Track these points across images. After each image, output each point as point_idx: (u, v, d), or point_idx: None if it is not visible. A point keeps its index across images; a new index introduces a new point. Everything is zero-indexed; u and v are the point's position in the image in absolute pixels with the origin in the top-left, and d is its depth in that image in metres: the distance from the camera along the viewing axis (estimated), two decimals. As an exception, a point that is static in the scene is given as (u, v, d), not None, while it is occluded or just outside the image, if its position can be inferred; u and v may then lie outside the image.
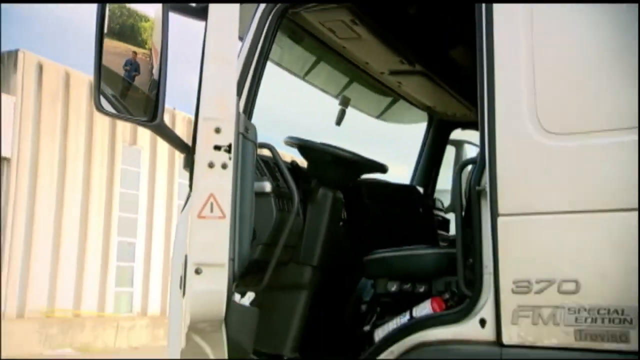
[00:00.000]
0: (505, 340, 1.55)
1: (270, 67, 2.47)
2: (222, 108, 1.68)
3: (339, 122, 2.93)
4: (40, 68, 14.59)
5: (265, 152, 2.17)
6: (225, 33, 1.73)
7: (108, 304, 16.23)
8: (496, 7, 1.77)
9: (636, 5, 1.83)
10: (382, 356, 1.73)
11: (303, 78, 2.92)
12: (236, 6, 1.73)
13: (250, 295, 2.15)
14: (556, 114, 1.63)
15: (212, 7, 1.72)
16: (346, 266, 2.40)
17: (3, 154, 12.88)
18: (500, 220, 1.59)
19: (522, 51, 1.70)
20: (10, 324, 12.60)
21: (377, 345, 1.83)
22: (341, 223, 2.48)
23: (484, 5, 1.77)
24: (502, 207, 1.59)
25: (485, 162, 1.67)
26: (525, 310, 1.53)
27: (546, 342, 1.52)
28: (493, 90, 1.68)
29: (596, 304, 1.45)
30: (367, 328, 2.08)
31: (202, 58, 1.71)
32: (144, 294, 17.35)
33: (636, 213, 1.44)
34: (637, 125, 1.48)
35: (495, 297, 1.58)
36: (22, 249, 13.73)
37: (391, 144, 3.68)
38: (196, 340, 1.69)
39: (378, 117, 3.43)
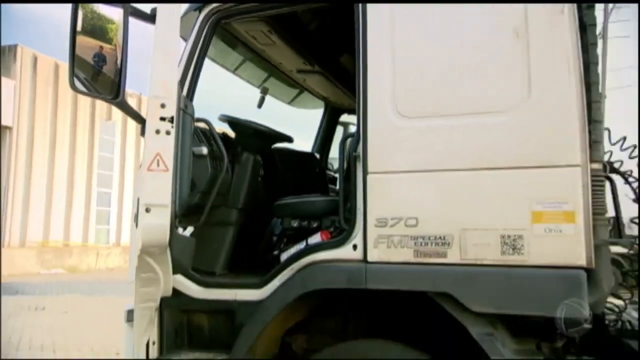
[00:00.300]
0: (369, 258, 1.96)
1: (209, 63, 2.88)
2: (166, 89, 2.02)
3: (259, 105, 3.46)
4: (35, 59, 17.68)
5: (205, 126, 2.52)
6: (169, 31, 2.06)
7: (90, 237, 20.34)
8: (369, 8, 2.10)
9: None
10: (285, 272, 2.11)
11: (233, 72, 3.32)
12: (179, 10, 2.08)
13: (190, 229, 2.51)
14: (408, 103, 2.01)
15: (160, 10, 2.05)
16: (262, 209, 2.73)
17: (5, 124, 15.87)
18: (369, 177, 2.00)
19: (387, 51, 2.05)
20: (14, 251, 16.40)
21: (282, 264, 2.19)
22: (259, 178, 2.81)
23: (360, 5, 2.11)
24: (370, 168, 2.01)
25: (359, 136, 2.06)
26: (383, 239, 1.95)
27: (395, 259, 1.94)
28: (366, 86, 2.07)
29: (428, 233, 1.90)
30: (276, 252, 2.45)
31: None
32: (117, 229, 21.70)
33: (459, 172, 1.89)
34: (466, 111, 1.91)
35: (364, 230, 1.99)
36: (22, 195, 17.05)
37: (299, 123, 4.22)
38: (147, 261, 2.04)
39: (289, 103, 3.96)
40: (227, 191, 2.58)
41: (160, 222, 2.01)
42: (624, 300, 2.17)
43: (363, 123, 2.05)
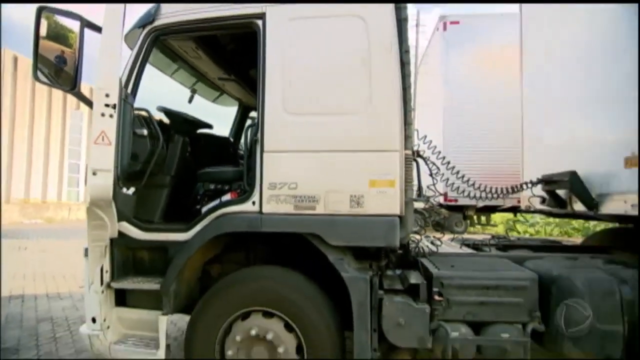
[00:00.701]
0: (264, 211, 2.50)
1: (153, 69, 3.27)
2: (109, 82, 2.43)
3: (190, 101, 3.91)
4: (16, 59, 21.37)
5: (146, 114, 2.90)
6: (111, 40, 2.45)
7: (64, 196, 24.93)
8: (269, 25, 2.57)
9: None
10: (204, 220, 2.58)
11: (170, 76, 3.72)
12: (119, 24, 2.46)
13: (132, 189, 2.87)
14: (293, 103, 2.52)
15: (105, 24, 2.43)
16: (190, 176, 3.07)
17: None
18: (264, 154, 2.52)
19: (278, 67, 2.54)
20: (2, 206, 18.52)
21: (202, 215, 2.61)
22: (187, 154, 3.16)
23: (260, 22, 2.59)
24: (265, 148, 2.52)
25: (259, 126, 2.56)
26: (273, 197, 2.49)
27: (281, 211, 2.48)
28: (264, 91, 2.55)
29: (304, 194, 2.47)
30: (199, 207, 2.86)
31: None
32: (85, 192, 22.38)
33: (324, 152, 2.46)
34: (331, 112, 2.47)
35: (260, 191, 2.51)
36: (6, 164, 20.02)
37: (221, 116, 4.70)
38: (96, 212, 2.48)
39: (212, 102, 4.40)
40: (163, 162, 2.96)
41: (104, 182, 2.43)
42: (420, 235, 2.96)
43: (261, 116, 2.55)
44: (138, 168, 2.74)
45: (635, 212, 2.71)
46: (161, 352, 2.55)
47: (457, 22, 6.85)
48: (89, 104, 2.55)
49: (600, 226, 4.97)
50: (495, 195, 3.57)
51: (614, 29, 3.07)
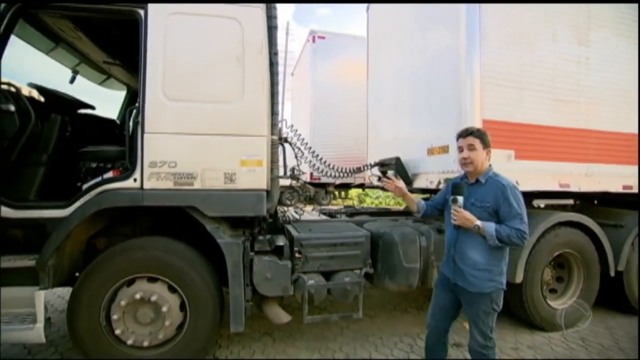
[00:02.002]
0: (145, 187, 2.40)
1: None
2: None
3: (71, 82, 3.42)
4: None
5: (12, 89, 2.48)
6: None
7: None
8: (151, 16, 2.39)
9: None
10: (85, 197, 2.39)
11: (47, 54, 3.18)
12: None
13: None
14: (172, 90, 2.43)
15: None
16: (72, 155, 2.78)
17: None
18: (145, 135, 2.40)
19: (160, 55, 2.42)
20: None
21: (83, 191, 2.43)
22: (67, 133, 2.82)
23: (142, 12, 2.39)
24: (146, 129, 2.40)
25: (140, 109, 2.43)
26: (154, 175, 2.40)
27: (162, 187, 2.42)
28: (145, 76, 2.42)
29: (182, 171, 2.42)
30: (80, 184, 2.62)
31: None
32: None
33: (201, 135, 2.41)
34: (208, 99, 2.41)
35: (141, 169, 2.40)
36: None
37: (109, 98, 4.18)
38: None
39: (99, 84, 3.92)
40: (39, 141, 2.60)
41: None
42: (286, 206, 3.23)
43: (142, 100, 2.42)
44: (4, 144, 2.37)
45: (432, 186, 3.38)
46: (39, 326, 2.30)
47: (324, 37, 7.33)
48: None
49: (420, 196, 5.97)
50: (345, 174, 4.01)
51: (419, 58, 3.75)
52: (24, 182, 2.54)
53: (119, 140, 2.88)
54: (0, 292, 2.31)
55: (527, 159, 3.21)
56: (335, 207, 5.02)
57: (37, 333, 2.29)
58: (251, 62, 2.53)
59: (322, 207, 5.95)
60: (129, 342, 2.47)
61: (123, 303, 2.44)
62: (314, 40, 7.25)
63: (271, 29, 2.65)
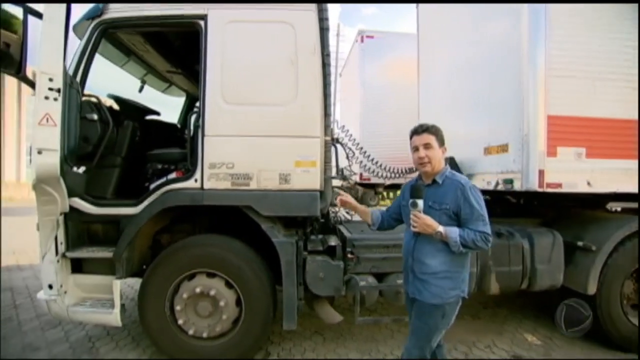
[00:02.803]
0: (205, 187, 2.48)
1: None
2: (53, 67, 2.22)
3: (140, 91, 3.66)
4: None
5: (96, 100, 2.72)
6: (53, 26, 2.20)
7: (22, 177, 22.78)
8: (210, 25, 2.48)
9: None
10: (152, 196, 2.52)
11: (121, 67, 3.44)
12: (61, 11, 2.21)
13: (83, 168, 2.68)
14: (230, 94, 2.49)
15: (46, 11, 2.18)
16: (140, 157, 2.96)
17: None
18: (205, 138, 2.48)
19: (218, 62, 2.48)
20: None
21: (150, 191, 2.56)
22: (137, 137, 3.01)
23: (203, 23, 2.49)
24: (206, 132, 2.48)
25: (200, 113, 2.51)
26: (213, 175, 2.47)
27: (220, 187, 2.48)
28: (205, 82, 2.49)
29: (239, 172, 2.45)
30: (147, 184, 2.75)
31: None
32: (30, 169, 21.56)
33: (258, 137, 2.45)
34: (263, 102, 2.45)
35: (201, 170, 2.48)
36: None
37: (172, 104, 4.41)
38: (45, 188, 2.30)
39: (162, 92, 4.16)
40: (114, 145, 2.81)
41: (50, 161, 2.24)
42: (337, 207, 3.17)
43: (202, 105, 2.51)
44: (89, 149, 2.57)
45: (490, 187, 3.16)
46: (117, 311, 2.49)
47: (372, 37, 7.18)
48: (34, 87, 2.32)
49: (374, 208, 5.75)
50: (397, 175, 3.89)
51: (473, 51, 3.51)
52: (102, 182, 2.74)
53: (181, 143, 3.03)
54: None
55: (600, 157, 2.86)
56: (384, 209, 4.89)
57: (115, 317, 2.49)
58: (304, 65, 2.52)
59: (372, 207, 5.84)
60: (190, 332, 2.59)
61: (185, 296, 2.55)
62: (362, 40, 7.13)
63: (323, 30, 2.63)
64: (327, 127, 2.62)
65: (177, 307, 2.57)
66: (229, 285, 2.58)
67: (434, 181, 1.86)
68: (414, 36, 5.12)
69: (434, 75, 4.56)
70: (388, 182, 4.62)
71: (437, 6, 4.43)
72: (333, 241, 2.79)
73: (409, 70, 5.53)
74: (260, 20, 2.54)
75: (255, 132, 2.49)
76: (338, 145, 3.05)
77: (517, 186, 2.87)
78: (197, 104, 4.16)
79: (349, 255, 2.70)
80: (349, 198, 2.21)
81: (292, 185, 2.49)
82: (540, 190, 2.74)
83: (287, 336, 3.14)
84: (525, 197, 3.70)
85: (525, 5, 2.83)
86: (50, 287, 2.49)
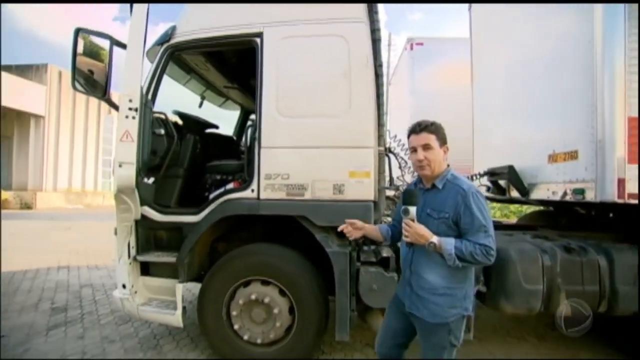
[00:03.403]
0: (261, 197, 2.53)
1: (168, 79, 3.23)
2: (132, 90, 2.44)
3: (200, 106, 3.92)
4: (60, 73, 21.62)
5: (163, 116, 2.90)
6: (134, 56, 2.45)
7: (99, 186, 25.41)
8: (266, 42, 2.58)
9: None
10: (212, 205, 2.62)
11: (184, 85, 3.71)
12: (140, 43, 2.43)
13: (152, 179, 2.81)
14: (285, 107, 2.54)
15: (129, 43, 2.41)
16: (200, 168, 3.09)
17: (41, 114, 20.56)
18: (261, 150, 2.54)
19: (273, 76, 2.55)
20: (50, 194, 20.98)
21: (210, 200, 2.64)
22: (198, 150, 3.17)
23: (258, 40, 2.61)
24: (262, 144, 2.54)
25: (257, 126, 2.58)
26: (269, 186, 2.52)
27: (276, 197, 2.52)
28: (262, 96, 2.57)
29: (294, 182, 2.50)
30: (207, 194, 2.86)
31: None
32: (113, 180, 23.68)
33: (312, 149, 2.46)
34: (317, 114, 2.46)
35: (258, 181, 2.54)
36: (52, 160, 21.48)
37: (227, 117, 4.65)
38: (123, 198, 2.51)
39: (219, 106, 4.40)
40: (177, 157, 2.98)
41: (128, 173, 2.45)
42: (391, 217, 3.05)
43: (259, 118, 2.58)
44: (157, 162, 2.77)
45: (556, 198, 2.89)
46: (179, 312, 2.61)
47: (422, 44, 6.97)
48: (117, 108, 2.57)
49: (530, 209, 5.23)
50: None
51: (537, 49, 3.25)
52: (167, 192, 2.91)
53: (236, 155, 3.15)
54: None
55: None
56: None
57: (177, 318, 2.61)
58: (357, 76, 2.50)
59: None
60: (245, 337, 2.64)
61: (240, 302, 2.62)
62: (412, 48, 6.95)
63: (375, 42, 2.60)
64: (380, 138, 2.58)
65: (233, 313, 2.64)
66: (282, 293, 2.60)
67: (434, 186, 1.68)
68: (466, 40, 4.91)
69: (490, 79, 4.31)
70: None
71: (492, 6, 4.20)
72: (386, 252, 2.69)
73: (461, 75, 5.30)
74: (312, 35, 2.57)
75: (309, 144, 2.50)
76: (391, 155, 2.98)
77: (590, 197, 2.59)
78: (252, 117, 4.37)
79: None
80: (359, 224, 1.94)
81: (345, 196, 2.46)
82: (621, 201, 2.44)
83: (338, 347, 3.10)
84: (598, 208, 3.34)
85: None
86: (124, 286, 2.69)
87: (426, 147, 1.63)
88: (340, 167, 2.47)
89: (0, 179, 20.00)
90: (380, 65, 2.60)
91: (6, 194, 19.54)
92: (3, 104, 17.95)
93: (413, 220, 1.58)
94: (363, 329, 2.99)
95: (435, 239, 1.54)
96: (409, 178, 3.61)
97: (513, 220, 8.00)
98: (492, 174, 3.76)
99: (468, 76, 4.90)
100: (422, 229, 1.55)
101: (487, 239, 1.52)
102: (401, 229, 1.68)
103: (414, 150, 1.68)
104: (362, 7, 2.58)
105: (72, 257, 6.80)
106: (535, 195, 3.20)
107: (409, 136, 1.71)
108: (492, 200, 4.66)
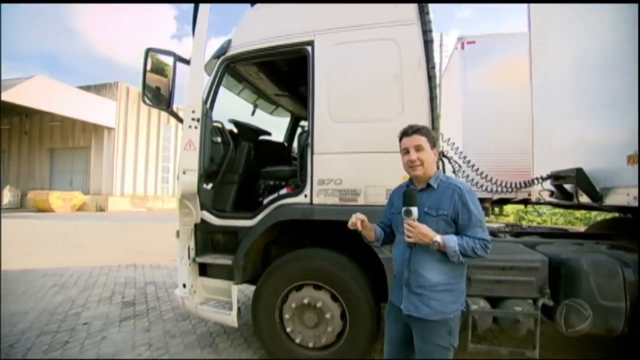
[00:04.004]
0: (314, 202, 2.55)
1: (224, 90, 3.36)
2: (195, 101, 2.57)
3: (252, 114, 4.05)
4: (128, 89, 24.24)
5: (220, 125, 3.03)
6: (197, 70, 2.58)
7: (159, 191, 27.28)
8: (317, 50, 2.62)
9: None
10: (266, 210, 2.68)
11: (237, 95, 3.87)
12: (202, 59, 2.56)
13: (210, 185, 2.96)
14: (337, 113, 2.55)
15: (192, 60, 2.54)
16: (254, 174, 3.18)
17: (112, 126, 23.16)
18: (314, 156, 2.57)
19: (325, 83, 2.57)
20: (118, 198, 23.22)
21: (264, 205, 2.71)
22: (251, 157, 3.24)
23: (310, 48, 2.64)
24: (315, 150, 2.56)
25: (309, 132, 2.61)
26: (322, 191, 2.54)
27: (329, 202, 2.52)
28: (314, 103, 2.59)
29: (347, 188, 2.47)
30: (261, 199, 2.95)
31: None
32: (173, 187, 27.84)
33: (364, 153, 2.43)
34: (369, 119, 2.44)
35: (311, 186, 2.56)
36: (120, 167, 23.67)
37: (277, 124, 4.75)
38: (186, 203, 2.64)
39: (269, 114, 4.48)
40: (233, 164, 3.10)
41: (192, 180, 2.59)
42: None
43: (311, 124, 2.61)
44: (214, 168, 2.89)
45: (635, 204, 2.57)
46: (234, 313, 2.70)
47: (474, 42, 6.60)
48: (179, 119, 2.73)
49: (601, 216, 4.71)
50: (509, 189, 3.46)
51: (614, 38, 2.92)
52: (223, 197, 3.02)
53: (287, 161, 3.18)
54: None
55: None
56: (494, 225, 4.39)
57: (232, 319, 2.69)
58: (410, 79, 2.44)
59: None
60: (297, 340, 2.65)
61: (293, 305, 2.63)
62: (463, 47, 6.63)
63: (427, 43, 2.51)
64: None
65: (286, 316, 2.67)
66: (334, 298, 2.58)
67: (429, 185, 1.72)
68: (523, 35, 4.56)
69: (553, 74, 3.95)
70: (496, 196, 4.14)
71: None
72: None
73: (517, 73, 4.94)
74: (363, 40, 2.55)
75: (362, 149, 2.48)
76: (444, 160, 2.85)
77: (681, 203, 2.26)
78: (302, 123, 4.42)
79: None
80: (359, 215, 1.84)
81: None
82: None
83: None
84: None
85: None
86: (184, 286, 2.82)
87: (418, 148, 1.69)
88: (393, 172, 2.36)
89: (0, 180, 22.92)
90: (433, 67, 2.51)
91: (84, 198, 22.45)
92: (84, 118, 22.09)
93: (415, 221, 1.62)
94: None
95: (438, 237, 1.58)
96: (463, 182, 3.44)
97: (580, 228, 7.27)
98: (557, 177, 3.43)
99: (525, 73, 4.54)
100: (425, 228, 1.60)
101: (484, 234, 1.61)
102: (391, 232, 1.83)
103: (406, 151, 1.73)
104: (413, 8, 2.51)
105: (137, 256, 7.38)
106: (611, 200, 2.86)
107: (400, 139, 1.76)
108: (556, 206, 4.27)
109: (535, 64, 4.32)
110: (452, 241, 1.58)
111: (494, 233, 3.57)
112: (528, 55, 4.42)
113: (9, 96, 18.29)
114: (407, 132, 1.74)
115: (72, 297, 4.64)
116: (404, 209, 1.64)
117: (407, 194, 1.67)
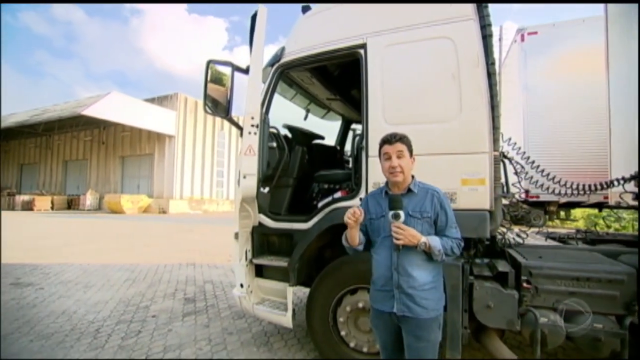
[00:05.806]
0: None
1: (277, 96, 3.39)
2: (254, 108, 2.64)
3: (305, 119, 4.09)
4: (186, 99, 26.38)
5: (275, 130, 3.11)
6: (255, 79, 2.65)
7: (214, 194, 29.03)
8: (369, 52, 2.57)
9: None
10: (320, 213, 2.67)
11: (290, 100, 3.95)
12: (260, 67, 2.61)
13: (267, 189, 3.05)
14: (392, 115, 2.49)
15: (251, 68, 2.61)
16: (308, 178, 3.22)
17: (173, 134, 25.34)
18: (369, 159, 2.52)
19: (379, 85, 2.52)
20: (178, 201, 25.25)
21: (319, 209, 2.69)
22: (305, 160, 3.27)
23: (362, 51, 2.61)
24: (369, 153, 2.51)
25: (363, 135, 2.56)
26: None
27: None
28: (367, 105, 2.55)
29: None
30: (315, 202, 2.97)
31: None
32: (227, 190, 30.24)
33: (422, 156, 2.18)
34: (425, 120, 2.34)
35: (366, 189, 2.51)
36: (180, 172, 25.88)
37: (329, 128, 4.76)
38: (245, 206, 2.71)
39: (321, 118, 4.50)
40: (287, 167, 3.15)
41: (252, 184, 2.66)
42: (505, 227, 2.70)
43: (365, 127, 2.56)
44: (270, 172, 2.96)
45: None
46: (289, 314, 2.73)
47: (536, 33, 6.10)
48: (238, 126, 2.83)
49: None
50: (581, 192, 3.14)
51: None
52: (279, 200, 3.08)
53: (340, 164, 3.17)
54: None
55: None
56: (562, 231, 4.01)
57: (287, 319, 2.72)
58: (467, 77, 2.31)
59: (544, 229, 4.88)
60: (351, 344, 2.62)
61: (348, 309, 2.61)
62: (523, 39, 6.17)
63: (486, 38, 2.37)
64: (495, 141, 2.32)
65: (340, 319, 2.65)
66: None
67: (409, 190, 1.81)
68: (597, 20, 4.10)
69: (636, 61, 3.50)
70: (564, 199, 3.78)
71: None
72: (503, 267, 2.42)
73: (586, 63, 4.46)
74: (417, 40, 2.47)
75: (418, 151, 2.32)
76: (505, 161, 2.68)
77: None
78: (352, 126, 4.40)
79: (525, 285, 2.29)
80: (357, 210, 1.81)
81: (458, 205, 2.27)
82: None
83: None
84: None
85: None
86: (242, 286, 2.92)
87: (400, 154, 1.78)
88: (451, 175, 2.30)
89: (0, 180, 25.60)
90: (493, 64, 2.36)
91: (149, 200, 25.15)
92: (149, 128, 24.59)
93: (402, 224, 1.70)
94: (472, 348, 2.72)
95: (424, 238, 1.68)
96: (526, 184, 3.19)
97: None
98: (642, 178, 3.03)
99: (599, 63, 4.09)
100: (413, 231, 1.69)
101: (458, 234, 1.77)
102: (370, 238, 1.90)
103: (388, 157, 1.80)
104: (469, 4, 2.39)
105: (195, 256, 7.85)
106: None
107: (381, 145, 1.84)
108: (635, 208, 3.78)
109: (614, 51, 3.86)
110: (436, 241, 1.70)
111: (563, 239, 3.26)
112: (604, 42, 3.97)
113: (91, 111, 21.57)
114: (389, 140, 1.82)
115: (142, 291, 5.07)
116: (391, 212, 1.70)
117: (394, 199, 1.75)
